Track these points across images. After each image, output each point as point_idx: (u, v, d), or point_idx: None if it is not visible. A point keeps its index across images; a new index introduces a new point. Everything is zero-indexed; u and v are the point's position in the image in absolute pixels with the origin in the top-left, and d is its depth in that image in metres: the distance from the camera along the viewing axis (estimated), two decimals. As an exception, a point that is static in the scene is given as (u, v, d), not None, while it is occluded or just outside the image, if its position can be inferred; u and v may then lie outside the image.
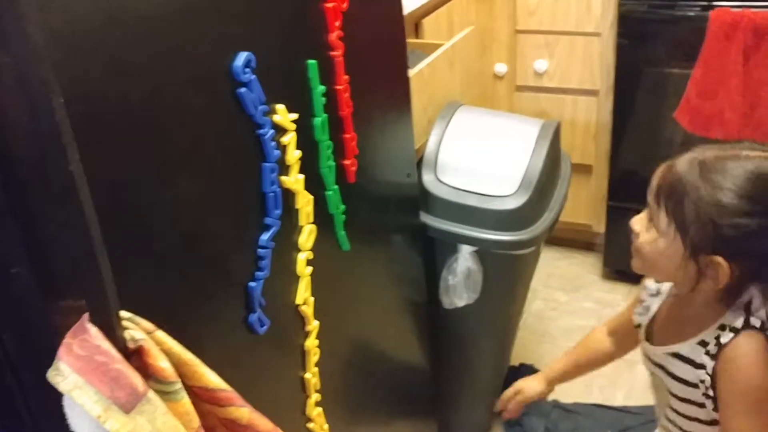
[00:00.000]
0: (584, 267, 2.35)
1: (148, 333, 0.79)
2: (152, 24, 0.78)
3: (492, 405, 1.83)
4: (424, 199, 1.48)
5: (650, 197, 1.07)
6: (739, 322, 1.06)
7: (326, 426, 1.19)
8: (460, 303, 1.50)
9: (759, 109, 1.88)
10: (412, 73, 1.46)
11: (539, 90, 2.21)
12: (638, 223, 1.11)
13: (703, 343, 1.09)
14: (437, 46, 1.67)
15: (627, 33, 2.00)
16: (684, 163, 1.03)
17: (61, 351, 0.73)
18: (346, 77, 1.11)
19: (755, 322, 1.05)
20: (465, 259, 1.47)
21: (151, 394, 0.74)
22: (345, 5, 1.09)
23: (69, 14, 0.67)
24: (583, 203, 2.28)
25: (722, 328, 1.07)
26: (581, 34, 2.08)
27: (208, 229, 0.90)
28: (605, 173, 2.17)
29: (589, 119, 2.16)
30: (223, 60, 0.89)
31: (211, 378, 0.84)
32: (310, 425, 1.16)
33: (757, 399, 1.04)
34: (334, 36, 1.07)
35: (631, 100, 2.05)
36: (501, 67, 2.22)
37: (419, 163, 1.50)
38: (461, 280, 1.48)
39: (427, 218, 1.48)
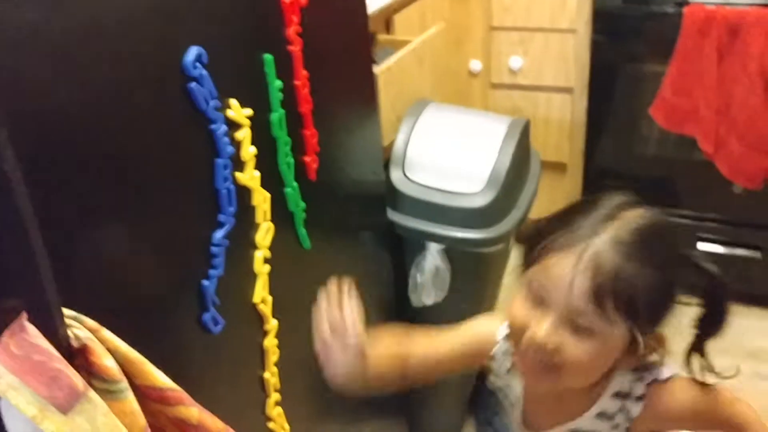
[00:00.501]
0: (560, 265, 2.34)
1: (93, 332, 0.78)
2: (98, 18, 0.77)
3: (464, 404, 1.83)
4: (391, 196, 1.47)
5: (580, 302, 0.85)
6: (639, 389, 0.98)
7: (287, 426, 1.18)
8: (429, 301, 1.50)
9: (733, 106, 1.88)
10: (379, 69, 1.45)
11: (514, 87, 2.20)
12: (556, 336, 0.87)
13: (605, 416, 0.99)
14: (408, 43, 1.66)
15: (602, 29, 2.00)
16: (610, 251, 0.86)
17: (-3, 351, 0.71)
18: (305, 73, 1.10)
19: (650, 377, 0.98)
20: (433, 257, 1.46)
21: (92, 393, 0.72)
22: (304, 0, 1.07)
23: (7, 10, 0.66)
24: (557, 201, 2.26)
25: (621, 396, 0.98)
26: (556, 30, 2.08)
27: (157, 225, 0.89)
28: (580, 171, 2.17)
29: (564, 117, 2.16)
30: (173, 55, 0.87)
31: (158, 377, 0.83)
32: (271, 425, 1.15)
33: (711, 409, 0.99)
34: (291, 31, 1.06)
35: (605, 97, 2.05)
36: (476, 65, 2.21)
37: (387, 160, 1.49)
38: (429, 279, 1.47)
39: (394, 216, 1.47)
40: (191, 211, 0.94)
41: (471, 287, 1.55)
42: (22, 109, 0.69)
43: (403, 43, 1.68)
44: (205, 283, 0.97)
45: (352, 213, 1.33)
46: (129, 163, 0.83)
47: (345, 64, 1.24)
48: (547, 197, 2.26)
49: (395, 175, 1.47)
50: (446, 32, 1.85)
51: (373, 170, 1.38)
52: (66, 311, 0.75)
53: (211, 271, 0.97)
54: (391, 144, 1.50)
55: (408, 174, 1.47)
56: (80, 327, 0.77)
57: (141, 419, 0.79)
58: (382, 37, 1.75)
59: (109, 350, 0.79)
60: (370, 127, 1.35)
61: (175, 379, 0.90)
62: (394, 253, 1.50)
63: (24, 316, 0.72)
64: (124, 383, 0.78)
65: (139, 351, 0.84)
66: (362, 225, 1.38)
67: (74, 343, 0.75)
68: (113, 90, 0.80)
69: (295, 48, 1.07)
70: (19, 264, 0.69)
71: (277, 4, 1.04)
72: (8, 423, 0.71)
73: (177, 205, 0.91)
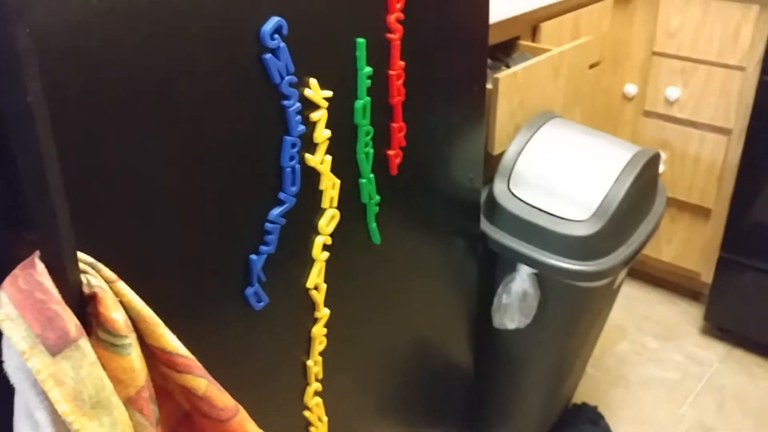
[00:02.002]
0: (684, 316, 2.16)
1: (109, 282, 0.78)
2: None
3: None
4: (490, 208, 1.40)
5: None
6: None
7: (325, 418, 1.15)
8: (511, 325, 1.41)
9: None
10: (501, 74, 1.38)
11: (667, 119, 2.04)
12: None
13: None
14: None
15: (775, 71, 1.80)
16: None
17: (7, 281, 0.72)
18: (402, 63, 1.06)
19: None
20: (522, 280, 1.37)
21: (83, 341, 0.72)
22: (412, -13, 1.03)
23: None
24: (695, 248, 2.09)
25: None
26: (722, 66, 1.90)
27: (209, 189, 0.88)
28: (723, 219, 1.98)
29: (716, 159, 1.97)
30: (253, 23, 0.86)
31: (169, 340, 0.82)
32: (307, 413, 1.12)
33: None
34: (393, 17, 1.02)
35: (765, 145, 1.85)
36: (631, 88, 2.08)
37: (495, 169, 1.42)
38: (515, 302, 1.39)
39: (489, 229, 1.39)
40: (249, 182, 0.93)
41: (560, 320, 1.45)
42: (63, 47, 0.69)
43: (543, 52, 1.59)
44: (253, 257, 0.95)
45: (437, 216, 1.27)
46: (186, 119, 0.82)
47: (452, 60, 1.18)
48: (685, 242, 2.10)
49: (498, 187, 1.40)
50: (593, 48, 1.73)
51: (470, 176, 1.31)
52: (84, 257, 0.76)
53: (262, 247, 0.96)
54: (503, 153, 1.43)
55: (512, 188, 1.39)
56: (95, 275, 0.77)
57: (140, 378, 0.79)
58: (523, 43, 1.67)
59: (123, 303, 0.79)
60: (473, 131, 1.28)
61: (208, 349, 0.89)
62: (483, 266, 1.43)
63: (37, 253, 0.73)
64: (129, 339, 0.78)
65: (172, 312, 0.84)
66: (448, 231, 1.32)
67: (85, 290, 0.76)
68: (181, 49, 0.79)
69: (394, 36, 1.03)
70: (37, 201, 0.70)
71: (381, -13, 1.00)
72: (4, 351, 0.72)
73: (235, 174, 0.90)
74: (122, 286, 0.79)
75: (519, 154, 1.41)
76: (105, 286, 0.77)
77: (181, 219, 0.87)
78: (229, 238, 0.93)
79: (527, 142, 1.43)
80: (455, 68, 1.18)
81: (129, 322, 0.79)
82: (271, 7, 0.87)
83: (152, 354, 0.82)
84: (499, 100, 1.39)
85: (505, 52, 1.65)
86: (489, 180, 1.42)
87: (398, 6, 1.02)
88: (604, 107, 2.09)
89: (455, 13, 1.14)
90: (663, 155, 2.04)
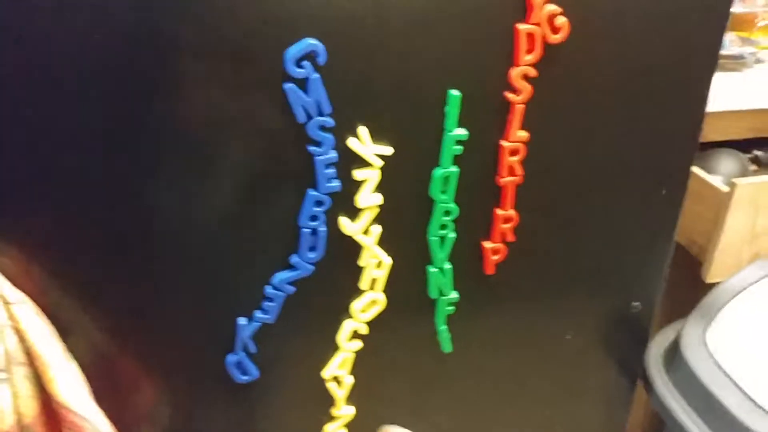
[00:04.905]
0: None
1: (6, 303, 0.66)
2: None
3: None
4: (670, 352, 1.02)
5: None
6: None
7: None
8: None
9: None
10: (747, 179, 0.99)
11: None
12: None
13: None
14: None
15: None
16: None
17: None
18: (524, 134, 0.77)
19: None
20: (679, 464, 0.98)
21: None
22: (559, 36, 0.73)
23: None
24: None
25: None
26: None
27: (201, 232, 0.73)
28: None
29: None
30: (280, 42, 0.66)
31: (60, 389, 0.68)
32: None
33: None
34: (517, 72, 0.74)
35: None
36: None
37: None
38: (663, 485, 1.01)
39: (658, 376, 1.02)
40: (254, 235, 0.74)
41: None
42: None
43: None
44: (242, 321, 0.77)
45: (558, 334, 0.95)
46: (181, 158, 0.68)
47: (625, 140, 0.84)
48: None
49: (690, 331, 1.01)
50: None
51: (633, 304, 0.95)
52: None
53: (257, 313, 0.77)
54: (714, 286, 1.03)
55: (708, 339, 1.00)
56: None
57: (4, 422, 0.67)
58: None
59: (16, 331, 0.67)
60: (651, 245, 0.92)
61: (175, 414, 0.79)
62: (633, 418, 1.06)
63: None
64: (3, 375, 0.66)
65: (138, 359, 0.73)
66: (578, 357, 0.98)
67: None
68: (181, 65, 0.64)
69: (516, 98, 0.75)
70: None
71: (507, 30, 0.73)
72: None
73: (235, 220, 0.73)
74: (18, 311, 0.67)
75: (736, 295, 1.01)
76: (-3, 308, 0.66)
77: (154, 253, 0.72)
78: (218, 289, 0.76)
79: (756, 283, 1.01)
80: (625, 151, 0.84)
81: (19, 357, 0.67)
82: (308, 27, 0.66)
83: (47, 398, 0.70)
84: (731, 212, 1.00)
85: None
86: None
87: (529, 59, 0.74)
88: None
89: (650, 72, 0.81)
90: None
